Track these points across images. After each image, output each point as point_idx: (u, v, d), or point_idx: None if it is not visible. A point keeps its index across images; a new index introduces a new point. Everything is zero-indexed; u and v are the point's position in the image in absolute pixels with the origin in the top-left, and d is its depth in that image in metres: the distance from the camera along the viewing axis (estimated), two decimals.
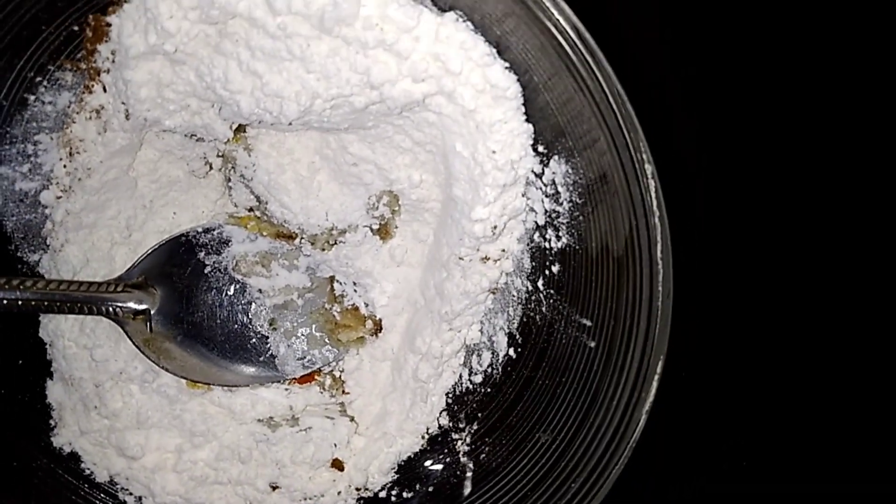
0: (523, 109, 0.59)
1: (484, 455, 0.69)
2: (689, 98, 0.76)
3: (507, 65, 0.57)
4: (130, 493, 0.71)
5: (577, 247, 0.62)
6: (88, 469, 0.71)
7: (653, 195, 0.51)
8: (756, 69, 0.76)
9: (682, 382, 0.69)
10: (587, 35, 0.53)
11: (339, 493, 0.72)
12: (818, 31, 0.76)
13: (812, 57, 0.77)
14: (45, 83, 0.64)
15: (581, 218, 0.61)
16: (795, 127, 0.77)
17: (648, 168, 0.51)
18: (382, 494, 0.72)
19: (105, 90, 0.64)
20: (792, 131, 0.78)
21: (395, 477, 0.72)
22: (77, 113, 0.65)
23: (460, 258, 0.67)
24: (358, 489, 0.72)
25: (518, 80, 0.57)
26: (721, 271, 0.77)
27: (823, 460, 0.80)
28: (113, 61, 0.62)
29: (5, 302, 0.61)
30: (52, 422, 0.70)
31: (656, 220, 0.51)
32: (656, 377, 0.54)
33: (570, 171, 0.60)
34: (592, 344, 0.61)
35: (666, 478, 0.79)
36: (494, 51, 0.57)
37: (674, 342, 0.56)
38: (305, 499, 0.72)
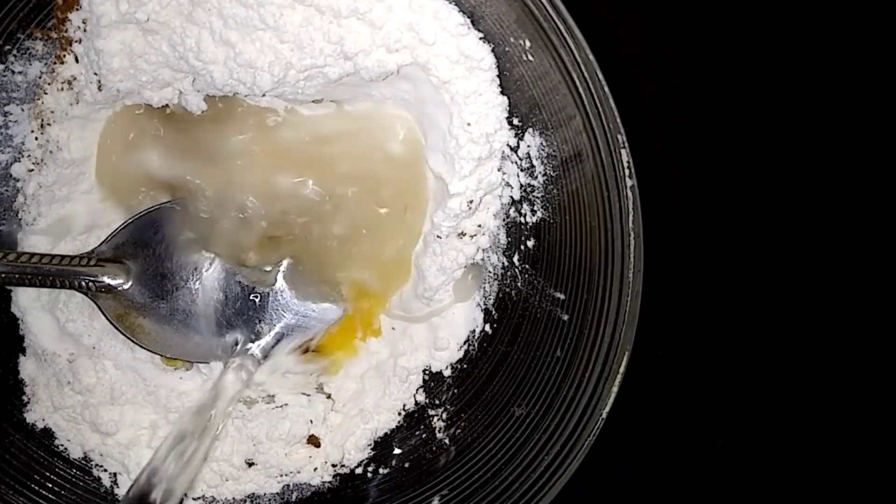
0: (498, 82, 0.59)
1: (460, 430, 0.69)
2: (675, 82, 0.76)
3: (481, 35, 0.57)
4: (105, 470, 0.71)
5: (552, 220, 0.62)
6: (62, 445, 0.70)
7: (625, 165, 0.51)
8: (745, 57, 0.76)
9: (676, 379, 0.69)
10: (562, 6, 0.52)
11: (315, 469, 0.72)
12: (802, 22, 0.76)
13: (795, 45, 0.77)
14: (14, 52, 0.63)
15: (555, 191, 0.61)
16: (785, 115, 0.78)
17: (620, 138, 0.51)
18: (359, 470, 0.72)
19: (77, 60, 0.63)
20: (781, 119, 0.78)
21: (372, 453, 0.72)
22: (48, 84, 0.65)
23: (437, 236, 0.67)
24: (334, 465, 0.72)
25: (492, 50, 0.57)
26: (714, 265, 0.77)
27: (817, 457, 0.80)
28: (84, 30, 0.61)
29: None
30: (24, 398, 0.70)
31: (628, 190, 0.51)
32: (627, 351, 0.54)
33: (544, 143, 0.60)
34: (566, 317, 0.61)
35: (659, 475, 0.79)
36: (468, 21, 0.57)
37: (659, 329, 0.57)
38: (282, 475, 0.72)
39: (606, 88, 0.50)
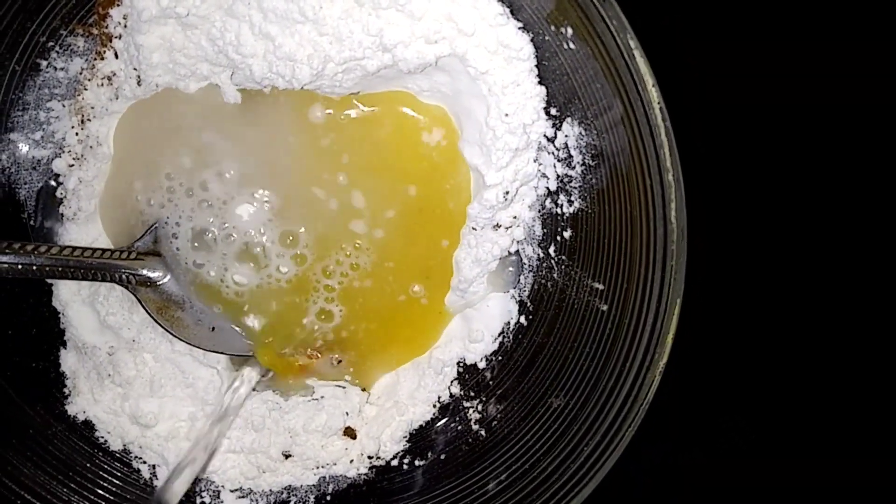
0: (536, 71, 0.59)
1: (496, 422, 0.69)
2: (724, 72, 0.75)
3: (520, 25, 0.57)
4: (144, 462, 0.72)
5: (590, 210, 0.62)
6: (103, 437, 0.71)
7: (667, 153, 0.51)
8: (795, 50, 0.75)
9: (681, 358, 0.68)
10: None
11: (351, 461, 0.72)
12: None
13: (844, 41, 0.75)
14: (57, 48, 0.64)
15: (594, 181, 0.61)
16: (835, 109, 0.76)
17: (662, 127, 0.50)
18: (394, 462, 0.72)
19: (117, 56, 0.64)
20: (829, 114, 0.76)
21: (407, 445, 0.72)
22: (89, 80, 0.65)
23: (472, 227, 0.67)
24: (370, 457, 0.72)
25: (531, 40, 0.57)
26: (728, 249, 0.77)
27: (820, 436, 0.80)
28: (125, 26, 0.62)
29: (19, 267, 0.61)
30: (66, 390, 0.71)
31: (670, 178, 0.51)
32: (670, 337, 0.54)
33: (582, 133, 0.60)
34: (605, 307, 0.61)
35: (661, 451, 0.79)
36: (508, 11, 0.57)
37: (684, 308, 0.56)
38: (318, 467, 0.73)
39: (649, 77, 0.50)
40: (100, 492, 0.70)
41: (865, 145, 0.77)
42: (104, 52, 0.64)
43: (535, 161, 0.63)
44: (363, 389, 0.74)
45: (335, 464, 0.73)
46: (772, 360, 0.79)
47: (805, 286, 0.78)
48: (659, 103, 0.50)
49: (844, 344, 0.78)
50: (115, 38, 0.63)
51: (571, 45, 0.56)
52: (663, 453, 0.79)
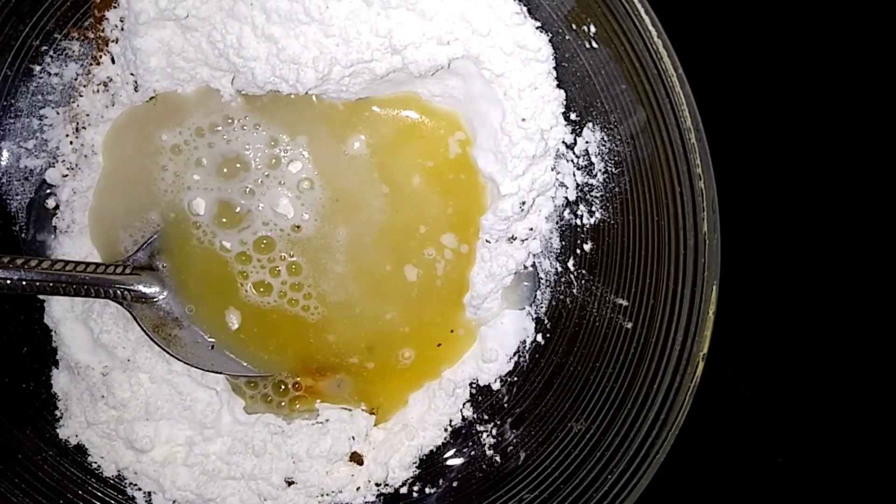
0: (555, 74, 0.55)
1: (511, 447, 0.66)
2: (759, 73, 0.72)
3: (538, 24, 0.54)
4: (139, 489, 0.68)
5: (613, 221, 0.58)
6: (96, 462, 0.68)
7: (698, 158, 0.47)
8: (830, 49, 0.72)
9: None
10: None
11: (357, 488, 0.69)
12: None
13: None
14: (51, 53, 0.61)
15: (617, 190, 0.57)
16: (872, 113, 0.74)
17: (693, 131, 0.47)
18: (403, 490, 0.69)
19: (113, 61, 0.62)
20: (872, 118, 0.74)
21: (417, 472, 0.69)
22: (84, 86, 0.63)
23: (486, 240, 0.63)
24: (378, 484, 0.69)
25: (550, 40, 0.54)
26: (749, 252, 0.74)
27: (828, 389, 0.77)
28: (122, 29, 0.60)
29: (9, 282, 0.58)
30: (57, 412, 0.67)
31: (702, 184, 0.47)
32: (702, 355, 0.50)
33: (605, 138, 0.57)
34: (629, 325, 0.57)
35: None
36: (525, 9, 0.54)
37: None
38: (322, 494, 0.69)
39: (676, 77, 0.46)
40: None
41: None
42: (100, 56, 0.61)
43: (552, 169, 0.60)
44: (371, 412, 0.70)
45: (341, 491, 0.69)
46: (779, 308, 0.76)
47: (809, 239, 0.76)
48: (689, 105, 0.47)
49: (849, 297, 0.76)
50: (112, 41, 0.61)
51: (594, 45, 0.53)
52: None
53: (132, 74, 0.60)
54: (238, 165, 0.63)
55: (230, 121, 0.62)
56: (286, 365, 0.69)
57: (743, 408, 0.77)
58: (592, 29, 0.52)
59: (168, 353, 0.66)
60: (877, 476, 0.76)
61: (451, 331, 0.68)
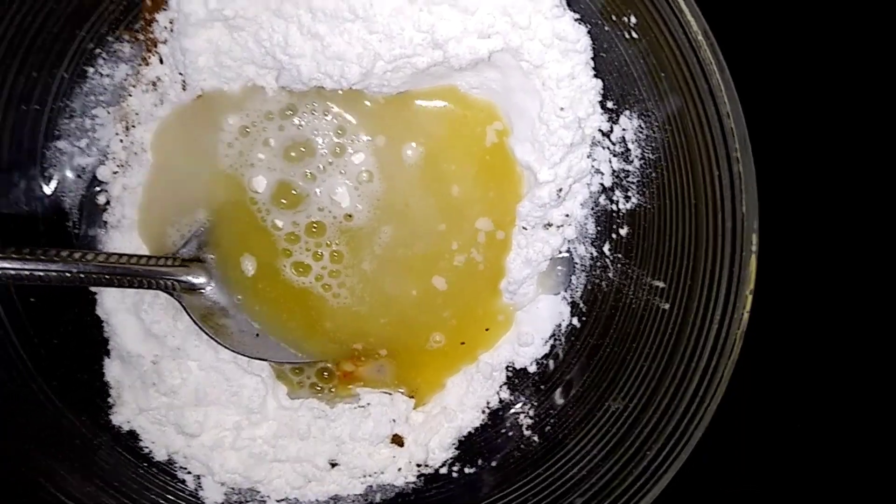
0: (592, 64, 0.57)
1: (549, 427, 0.67)
2: (799, 63, 0.72)
3: (576, 16, 0.56)
4: (189, 472, 0.71)
5: (649, 205, 0.60)
6: (147, 447, 0.70)
7: (736, 142, 0.49)
8: (872, 47, 0.72)
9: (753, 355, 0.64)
10: None
11: (399, 469, 0.71)
12: None
13: None
14: (104, 55, 0.64)
15: (654, 175, 0.59)
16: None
17: (731, 115, 0.49)
18: (443, 470, 0.71)
19: (162, 62, 0.64)
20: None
21: (456, 452, 0.71)
22: (133, 86, 0.65)
23: (523, 227, 0.65)
24: (419, 465, 0.71)
25: (588, 32, 0.56)
26: (796, 237, 0.73)
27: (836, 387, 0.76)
28: (171, 30, 0.62)
29: (67, 275, 0.60)
30: (110, 400, 0.70)
31: (740, 167, 0.49)
32: (740, 333, 0.52)
33: (642, 125, 0.59)
34: (666, 306, 0.59)
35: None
36: (564, 2, 0.56)
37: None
38: (365, 475, 0.71)
39: (716, 64, 0.48)
40: (145, 502, 0.69)
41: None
42: (149, 57, 0.64)
43: (588, 157, 0.62)
44: (410, 396, 0.72)
45: (383, 472, 0.71)
46: (851, 358, 0.75)
47: (886, 275, 0.75)
48: (729, 91, 0.48)
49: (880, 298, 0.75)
50: (161, 42, 0.63)
51: (634, 35, 0.54)
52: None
53: (180, 74, 0.63)
54: (303, 150, 0.65)
55: (300, 107, 0.64)
56: (328, 351, 0.71)
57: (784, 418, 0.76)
58: (633, 20, 0.54)
59: (216, 340, 0.69)
60: (871, 475, 0.75)
61: (487, 317, 0.70)
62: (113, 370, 0.71)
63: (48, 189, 0.66)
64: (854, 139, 0.74)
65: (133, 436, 0.70)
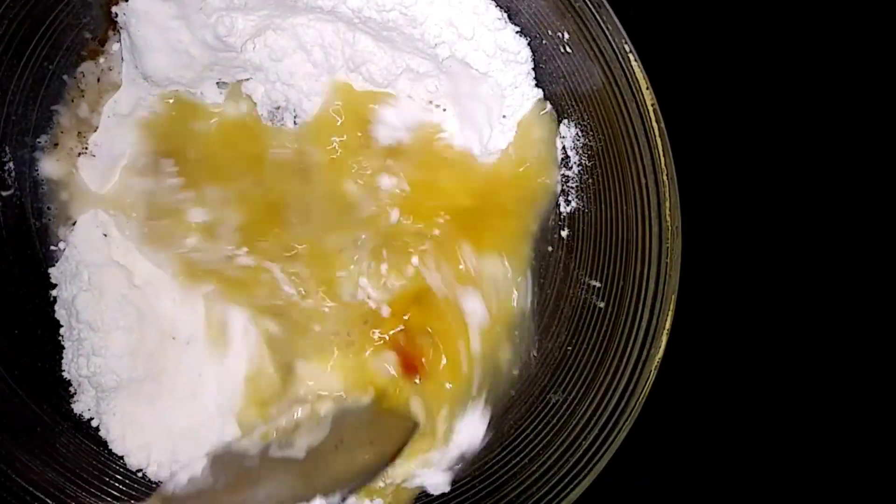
0: (533, 74, 0.60)
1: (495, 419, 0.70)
2: (719, 75, 0.75)
3: (517, 29, 0.59)
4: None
5: (587, 209, 0.64)
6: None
7: (661, 154, 0.52)
8: (795, 51, 0.75)
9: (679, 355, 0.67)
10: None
11: None
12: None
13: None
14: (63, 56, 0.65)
15: (591, 181, 0.62)
16: (835, 111, 0.76)
17: (656, 126, 0.52)
18: None
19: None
20: (828, 116, 0.76)
21: None
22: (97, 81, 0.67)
23: None
24: None
25: (529, 44, 0.59)
26: (721, 243, 0.77)
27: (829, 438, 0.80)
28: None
29: None
30: (72, 389, 0.71)
31: (665, 177, 0.53)
32: (665, 332, 0.56)
33: (579, 134, 0.62)
34: (602, 304, 0.62)
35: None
36: (506, 16, 0.59)
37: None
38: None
39: (644, 80, 0.51)
40: (106, 488, 0.71)
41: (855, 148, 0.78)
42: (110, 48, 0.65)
43: None
44: None
45: None
46: (765, 354, 0.80)
47: (801, 278, 0.78)
48: (653, 105, 0.52)
49: (841, 339, 0.79)
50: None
51: (568, 49, 0.58)
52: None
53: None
54: None
55: None
56: None
57: (738, 461, 0.79)
58: (566, 35, 0.57)
59: None
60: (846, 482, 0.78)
61: None
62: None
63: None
64: (772, 149, 0.77)
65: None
